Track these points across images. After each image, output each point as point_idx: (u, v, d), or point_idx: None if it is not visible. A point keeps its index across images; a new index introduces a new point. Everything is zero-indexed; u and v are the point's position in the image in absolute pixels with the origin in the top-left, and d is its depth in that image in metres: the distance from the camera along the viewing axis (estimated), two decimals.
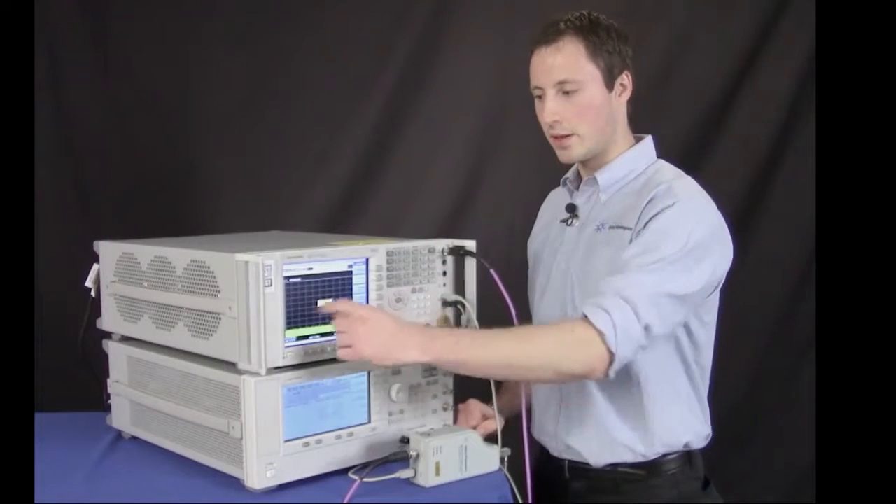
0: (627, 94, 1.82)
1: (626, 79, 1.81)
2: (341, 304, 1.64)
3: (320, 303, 1.66)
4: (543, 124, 1.81)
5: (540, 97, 1.80)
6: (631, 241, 1.71)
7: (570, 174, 1.93)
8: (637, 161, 1.84)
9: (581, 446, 1.82)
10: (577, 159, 1.83)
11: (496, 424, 1.83)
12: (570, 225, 1.87)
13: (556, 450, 1.88)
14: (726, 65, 2.85)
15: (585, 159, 1.83)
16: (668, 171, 1.83)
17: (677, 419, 1.79)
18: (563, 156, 1.82)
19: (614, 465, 1.81)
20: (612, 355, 1.60)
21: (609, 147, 1.83)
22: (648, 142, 1.87)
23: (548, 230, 1.96)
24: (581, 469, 1.84)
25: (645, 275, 1.63)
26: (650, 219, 1.69)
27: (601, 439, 1.80)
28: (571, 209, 1.88)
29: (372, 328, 1.58)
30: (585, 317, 1.61)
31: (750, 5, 2.84)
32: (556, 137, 1.80)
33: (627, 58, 1.80)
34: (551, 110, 1.77)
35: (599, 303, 1.62)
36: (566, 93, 1.76)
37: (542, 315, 1.91)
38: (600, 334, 1.59)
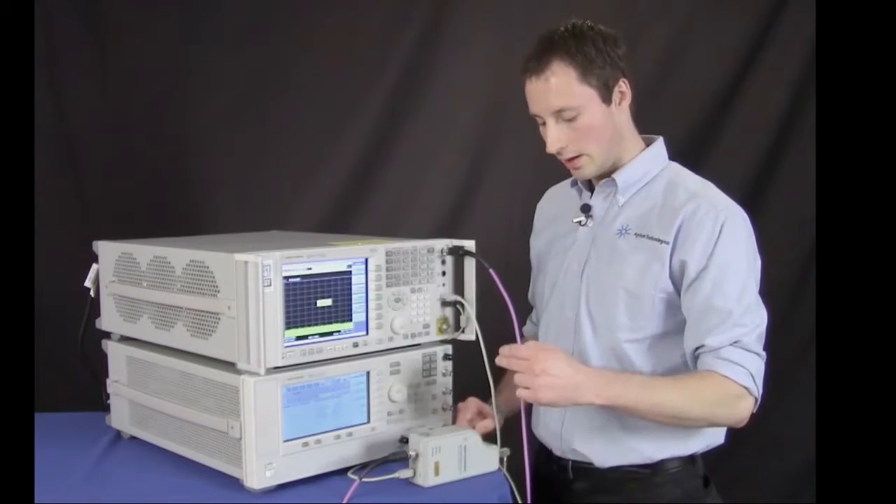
0: (628, 100, 1.80)
1: (623, 86, 1.78)
2: (522, 350, 1.67)
3: (504, 349, 1.69)
4: (549, 150, 1.80)
5: (542, 124, 1.79)
6: (678, 263, 1.72)
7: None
8: (651, 163, 1.83)
9: (587, 450, 1.82)
10: (590, 176, 1.83)
11: (495, 423, 1.83)
12: (583, 225, 1.87)
13: (559, 450, 1.88)
14: (726, 64, 2.85)
15: (599, 173, 1.82)
16: (689, 176, 1.83)
17: (683, 429, 1.79)
18: (576, 175, 1.83)
19: (619, 466, 1.81)
20: (756, 401, 1.72)
21: (621, 154, 1.82)
22: (660, 143, 1.86)
23: (553, 229, 1.96)
24: (584, 469, 1.84)
25: (743, 317, 1.70)
26: (710, 249, 1.71)
27: (608, 444, 1.80)
28: (586, 209, 1.87)
29: (552, 379, 1.64)
30: (721, 373, 1.69)
31: (749, 4, 2.83)
32: (565, 160, 1.80)
33: (621, 62, 1.77)
34: (554, 139, 1.76)
35: (726, 357, 1.69)
36: (566, 119, 1.75)
37: (549, 314, 1.91)
38: (746, 388, 1.69)
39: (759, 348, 1.73)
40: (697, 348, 1.72)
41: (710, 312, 1.70)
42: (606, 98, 1.76)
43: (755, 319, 1.72)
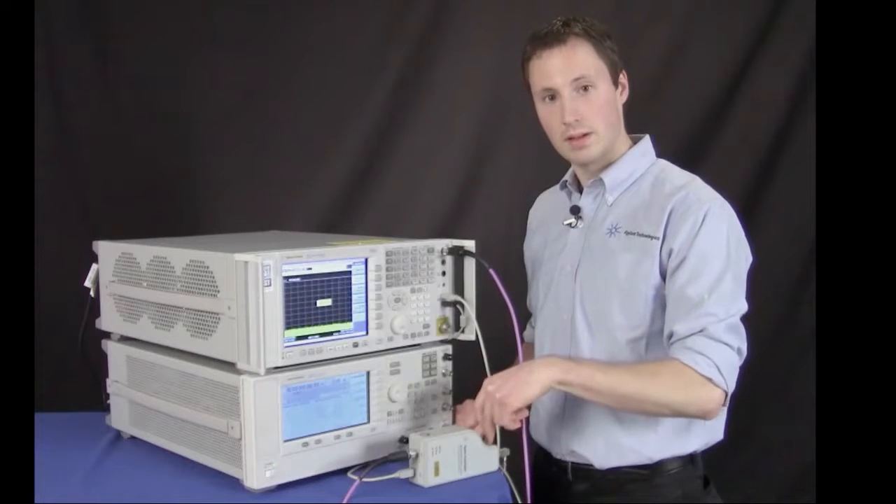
0: (627, 94, 1.84)
1: (624, 78, 1.83)
2: (477, 403, 1.70)
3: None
4: (557, 127, 1.79)
5: (552, 98, 1.79)
6: (666, 254, 1.73)
7: (567, 177, 1.93)
8: (639, 161, 1.84)
9: (586, 451, 1.82)
10: (594, 158, 1.82)
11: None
12: (573, 227, 1.87)
13: (558, 453, 1.88)
14: (726, 64, 2.85)
15: (599, 157, 1.82)
16: (676, 171, 1.84)
17: (683, 426, 1.79)
18: (580, 156, 1.81)
19: (618, 467, 1.81)
20: (724, 393, 1.69)
21: (615, 146, 1.83)
22: (647, 141, 1.88)
23: (545, 233, 1.96)
24: (584, 470, 1.84)
25: (713, 306, 1.69)
26: (691, 238, 1.71)
27: (608, 445, 1.80)
28: (576, 211, 1.88)
29: (503, 382, 1.65)
30: (683, 361, 1.67)
31: (749, 4, 2.83)
32: (573, 138, 1.79)
33: (621, 58, 1.82)
34: (572, 109, 1.76)
35: (690, 346, 1.68)
36: (583, 89, 1.76)
37: (545, 318, 1.91)
38: (708, 379, 1.67)
39: (731, 339, 1.69)
40: (669, 336, 1.72)
41: (682, 301, 1.70)
42: (614, 80, 1.81)
43: (728, 310, 1.70)
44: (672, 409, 1.71)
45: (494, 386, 1.66)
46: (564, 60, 1.76)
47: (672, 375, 1.68)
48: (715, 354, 1.67)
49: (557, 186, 1.96)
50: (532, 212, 2.08)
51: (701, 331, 1.68)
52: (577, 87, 1.77)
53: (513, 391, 1.64)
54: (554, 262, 1.90)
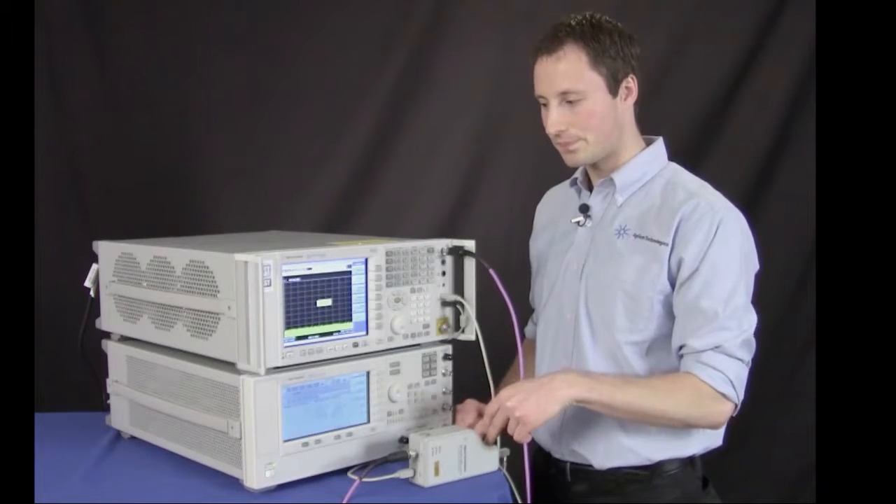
0: (633, 97, 1.81)
1: (631, 82, 1.79)
2: (490, 407, 1.70)
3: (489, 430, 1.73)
4: (549, 132, 1.80)
5: (544, 105, 1.80)
6: (675, 262, 1.72)
7: (578, 174, 1.92)
8: (650, 163, 1.83)
9: (586, 451, 1.82)
10: (582, 163, 1.83)
11: None
12: (581, 225, 1.87)
13: (558, 452, 1.88)
14: (726, 64, 2.85)
15: (592, 163, 1.83)
16: (687, 176, 1.83)
17: (684, 430, 1.79)
18: (568, 159, 1.82)
19: (618, 467, 1.81)
20: (735, 406, 1.72)
21: (619, 150, 1.82)
22: (660, 144, 1.86)
23: (553, 230, 1.96)
24: (583, 471, 1.84)
25: (727, 321, 1.70)
26: (704, 249, 1.70)
27: (608, 445, 1.80)
28: (585, 209, 1.87)
29: (524, 397, 1.65)
30: (699, 377, 1.69)
31: (749, 4, 2.84)
32: (561, 143, 1.80)
33: (633, 59, 1.79)
34: (554, 121, 1.76)
35: (706, 362, 1.69)
36: (569, 102, 1.75)
37: (548, 316, 1.91)
38: (723, 395, 1.69)
39: (743, 353, 1.71)
40: (681, 348, 1.72)
41: (696, 313, 1.70)
42: (613, 89, 1.77)
43: (742, 324, 1.71)
44: (685, 423, 1.74)
45: (513, 402, 1.65)
46: (552, 71, 1.75)
47: (688, 392, 1.69)
48: (730, 370, 1.69)
49: (567, 183, 1.95)
50: (539, 207, 2.07)
51: (717, 347, 1.69)
52: (562, 99, 1.75)
53: (533, 410, 1.64)
54: (559, 260, 1.89)
